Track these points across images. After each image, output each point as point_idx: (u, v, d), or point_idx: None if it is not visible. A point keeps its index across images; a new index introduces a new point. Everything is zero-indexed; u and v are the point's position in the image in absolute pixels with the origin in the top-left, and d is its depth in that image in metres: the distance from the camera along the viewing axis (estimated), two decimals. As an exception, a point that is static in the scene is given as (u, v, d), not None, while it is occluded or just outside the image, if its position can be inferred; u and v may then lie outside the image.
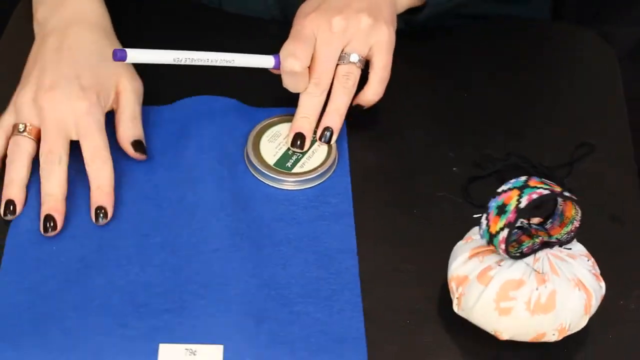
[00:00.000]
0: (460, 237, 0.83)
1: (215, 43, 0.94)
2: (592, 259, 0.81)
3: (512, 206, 0.75)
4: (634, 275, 0.86)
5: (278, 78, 0.93)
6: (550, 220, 0.81)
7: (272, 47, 0.94)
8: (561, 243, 0.79)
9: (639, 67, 1.14)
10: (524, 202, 0.75)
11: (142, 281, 0.82)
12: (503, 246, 0.76)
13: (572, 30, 1.07)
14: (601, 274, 0.81)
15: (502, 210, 0.76)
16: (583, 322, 0.79)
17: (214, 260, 0.83)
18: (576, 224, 0.79)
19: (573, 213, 0.79)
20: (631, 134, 0.96)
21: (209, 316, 0.80)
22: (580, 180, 0.93)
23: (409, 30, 1.03)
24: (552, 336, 0.78)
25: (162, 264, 0.84)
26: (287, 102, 0.95)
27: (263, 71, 0.94)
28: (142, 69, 0.95)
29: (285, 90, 0.93)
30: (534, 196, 0.75)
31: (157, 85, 0.96)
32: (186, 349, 0.78)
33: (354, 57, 0.91)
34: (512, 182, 0.77)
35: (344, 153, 0.93)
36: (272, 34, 0.99)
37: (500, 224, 0.76)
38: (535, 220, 0.82)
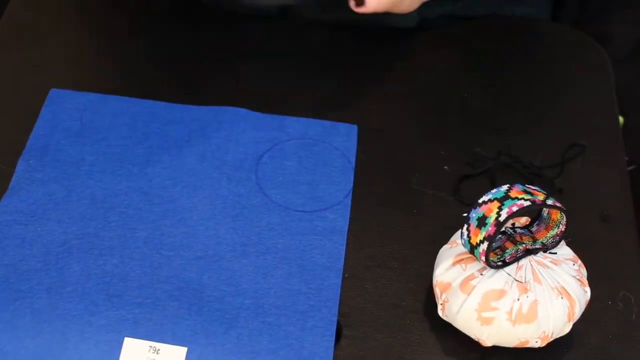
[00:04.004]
0: (450, 236, 0.83)
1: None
2: (579, 262, 0.80)
3: (491, 219, 0.75)
4: (622, 275, 0.86)
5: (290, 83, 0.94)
6: (537, 222, 0.81)
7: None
8: (546, 248, 0.79)
9: (638, 67, 1.12)
10: (503, 215, 0.75)
11: (119, 273, 0.83)
12: (483, 258, 0.76)
13: (565, 31, 1.05)
14: (589, 274, 0.81)
15: (482, 222, 0.76)
16: (567, 329, 0.79)
17: (194, 267, 0.84)
18: (562, 227, 0.79)
19: (559, 217, 0.79)
20: (629, 135, 0.95)
21: (178, 318, 0.81)
22: (570, 180, 0.92)
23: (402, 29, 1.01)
24: (535, 343, 0.78)
25: (143, 259, 0.84)
26: (301, 111, 0.96)
27: (276, 79, 0.94)
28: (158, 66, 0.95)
29: (299, 100, 0.95)
30: (514, 209, 0.75)
31: (173, 83, 0.98)
32: (150, 346, 0.79)
33: None
34: (493, 193, 0.77)
35: (349, 167, 0.92)
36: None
37: (480, 236, 0.75)
38: (522, 220, 0.82)
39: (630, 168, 0.95)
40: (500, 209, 0.75)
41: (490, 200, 0.76)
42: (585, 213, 0.89)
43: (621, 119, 0.99)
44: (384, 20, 0.96)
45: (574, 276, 0.79)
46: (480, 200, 0.77)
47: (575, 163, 0.93)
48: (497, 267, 0.77)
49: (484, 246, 0.75)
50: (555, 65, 1.02)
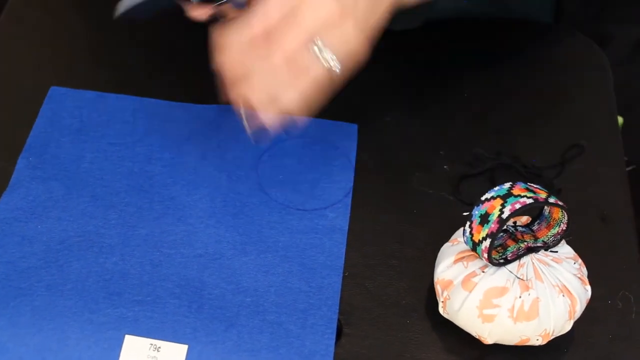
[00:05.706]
0: (450, 235, 0.84)
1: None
2: (580, 261, 0.81)
3: (494, 216, 0.75)
4: (621, 274, 0.86)
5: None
6: (538, 221, 0.81)
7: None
8: (547, 246, 0.79)
9: (637, 68, 1.13)
10: (506, 212, 0.75)
11: (120, 270, 0.83)
12: (486, 255, 0.76)
13: (565, 32, 1.05)
14: (589, 274, 0.81)
15: (484, 219, 0.76)
16: (567, 327, 0.79)
17: (195, 265, 0.84)
18: (563, 226, 0.79)
19: (560, 216, 0.79)
20: (628, 135, 0.95)
21: (178, 315, 0.81)
22: (569, 180, 0.92)
23: (404, 30, 1.02)
24: (536, 341, 0.78)
25: (143, 257, 0.84)
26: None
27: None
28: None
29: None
30: (517, 206, 0.75)
31: (173, 82, 0.98)
32: (151, 344, 0.79)
33: None
34: (496, 190, 0.77)
35: (349, 166, 0.93)
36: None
37: (483, 233, 0.75)
38: (523, 219, 0.82)
39: (629, 168, 0.95)
40: (503, 206, 0.75)
41: (493, 198, 0.76)
42: (585, 213, 0.90)
43: (620, 120, 0.99)
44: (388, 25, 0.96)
45: (575, 274, 0.79)
46: (483, 198, 0.77)
47: (574, 163, 0.93)
48: (499, 265, 0.77)
49: (487, 243, 0.75)
50: (555, 66, 1.03)
